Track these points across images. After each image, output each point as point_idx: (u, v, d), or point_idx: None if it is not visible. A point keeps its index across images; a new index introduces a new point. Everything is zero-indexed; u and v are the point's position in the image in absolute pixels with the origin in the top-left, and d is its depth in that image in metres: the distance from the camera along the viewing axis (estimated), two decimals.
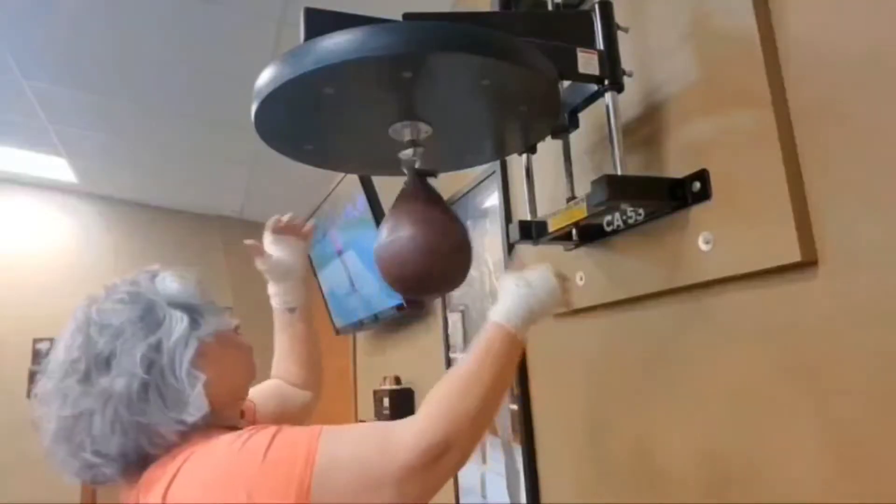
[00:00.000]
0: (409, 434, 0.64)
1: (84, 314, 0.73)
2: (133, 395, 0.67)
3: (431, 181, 0.99)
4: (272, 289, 1.13)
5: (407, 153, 0.92)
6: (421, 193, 0.95)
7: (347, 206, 2.55)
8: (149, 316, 0.72)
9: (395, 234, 0.89)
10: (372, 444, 0.64)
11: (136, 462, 0.69)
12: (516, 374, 1.54)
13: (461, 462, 0.66)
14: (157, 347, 0.70)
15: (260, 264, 1.09)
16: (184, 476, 0.64)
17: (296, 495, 0.59)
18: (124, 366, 0.68)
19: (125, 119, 3.04)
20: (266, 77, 0.78)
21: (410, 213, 0.91)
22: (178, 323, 0.72)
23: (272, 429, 0.65)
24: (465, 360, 0.73)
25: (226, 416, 0.76)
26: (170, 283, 0.78)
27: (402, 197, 0.96)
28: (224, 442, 0.66)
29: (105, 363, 0.69)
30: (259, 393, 1.04)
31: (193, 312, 0.75)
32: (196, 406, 0.70)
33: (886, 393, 0.71)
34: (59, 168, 3.84)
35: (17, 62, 2.55)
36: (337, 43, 0.72)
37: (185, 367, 0.70)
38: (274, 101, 0.79)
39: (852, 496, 0.74)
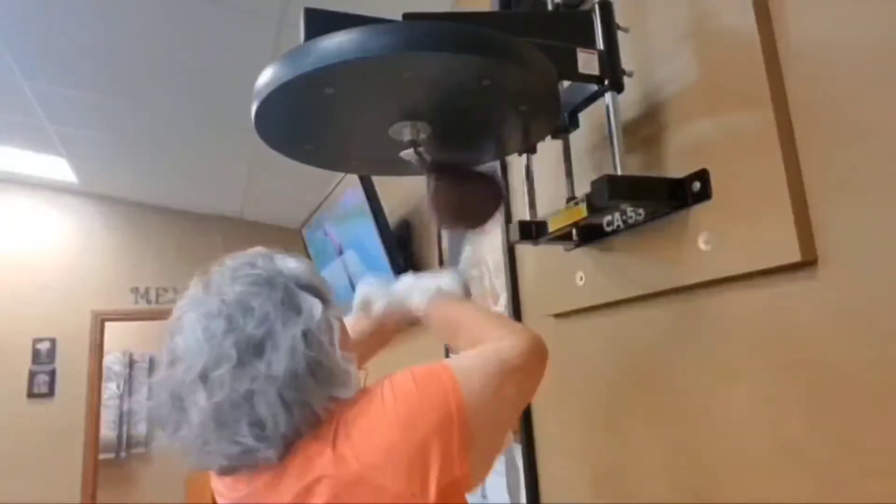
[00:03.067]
0: (509, 339, 0.77)
1: (215, 299, 0.69)
2: (299, 373, 0.66)
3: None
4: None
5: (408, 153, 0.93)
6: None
7: (347, 190, 2.52)
8: (288, 299, 0.70)
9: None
10: (487, 354, 0.75)
11: (294, 441, 0.68)
12: None
13: (545, 348, 0.80)
14: (308, 328, 0.69)
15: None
16: (347, 431, 0.67)
17: (456, 407, 0.67)
18: (282, 346, 0.67)
19: (125, 119, 3.04)
20: (266, 77, 0.78)
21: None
22: (315, 305, 0.72)
23: (406, 371, 0.71)
24: (461, 317, 0.88)
25: None
26: (292, 263, 0.76)
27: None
28: (371, 393, 0.70)
29: (258, 347, 0.66)
30: None
31: (320, 295, 0.75)
32: (354, 383, 0.72)
33: (886, 392, 0.71)
34: (59, 168, 3.84)
35: (17, 62, 2.55)
36: (337, 43, 0.72)
37: (336, 347, 0.71)
38: (274, 102, 0.79)
39: (851, 496, 0.74)
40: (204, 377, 0.65)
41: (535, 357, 0.76)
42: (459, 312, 0.89)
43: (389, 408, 0.67)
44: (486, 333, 0.79)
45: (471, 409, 0.67)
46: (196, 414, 0.66)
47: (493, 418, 0.71)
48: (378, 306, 1.03)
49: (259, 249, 0.78)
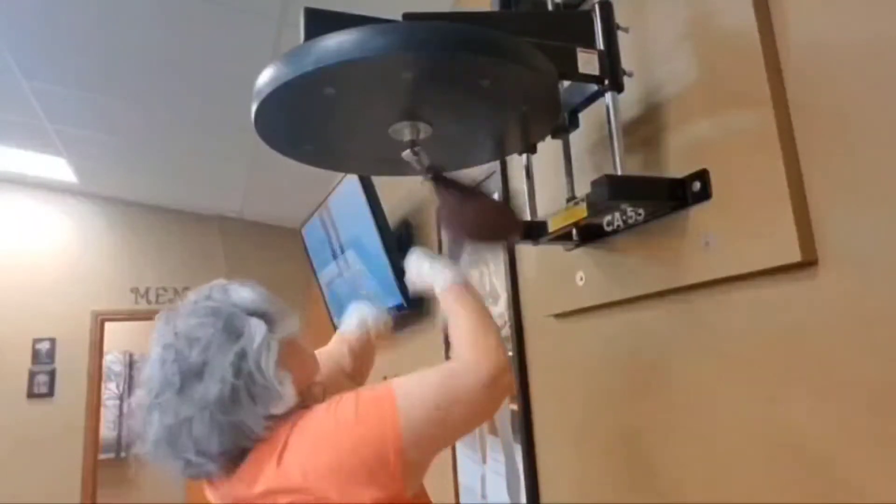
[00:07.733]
0: (471, 368, 0.78)
1: (170, 331, 0.80)
2: (225, 399, 0.75)
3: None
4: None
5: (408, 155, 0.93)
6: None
7: (347, 189, 2.49)
8: (231, 326, 0.79)
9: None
10: (438, 381, 0.78)
11: (237, 455, 0.78)
12: (517, 374, 1.54)
13: (512, 381, 0.81)
14: (243, 354, 0.77)
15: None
16: (294, 445, 0.75)
17: (392, 438, 0.72)
18: (216, 374, 0.76)
19: (125, 119, 3.04)
20: (266, 77, 0.78)
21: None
22: (258, 329, 0.80)
23: (353, 394, 0.78)
24: (460, 315, 0.86)
25: (303, 400, 0.84)
26: (243, 293, 0.85)
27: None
28: (320, 412, 0.78)
29: (198, 374, 0.76)
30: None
31: (268, 318, 0.82)
32: (288, 400, 0.79)
33: (886, 392, 0.71)
34: (59, 168, 3.84)
35: (17, 62, 2.55)
36: (337, 43, 0.72)
37: (271, 368, 0.79)
38: (274, 102, 0.79)
39: (852, 495, 0.74)
40: (157, 401, 0.77)
41: (486, 394, 0.77)
42: (458, 310, 0.88)
43: (331, 431, 0.76)
44: (458, 349, 0.83)
45: (406, 435, 0.73)
46: (152, 433, 0.77)
47: (428, 442, 0.77)
48: (359, 317, 1.18)
49: (219, 282, 0.88)
